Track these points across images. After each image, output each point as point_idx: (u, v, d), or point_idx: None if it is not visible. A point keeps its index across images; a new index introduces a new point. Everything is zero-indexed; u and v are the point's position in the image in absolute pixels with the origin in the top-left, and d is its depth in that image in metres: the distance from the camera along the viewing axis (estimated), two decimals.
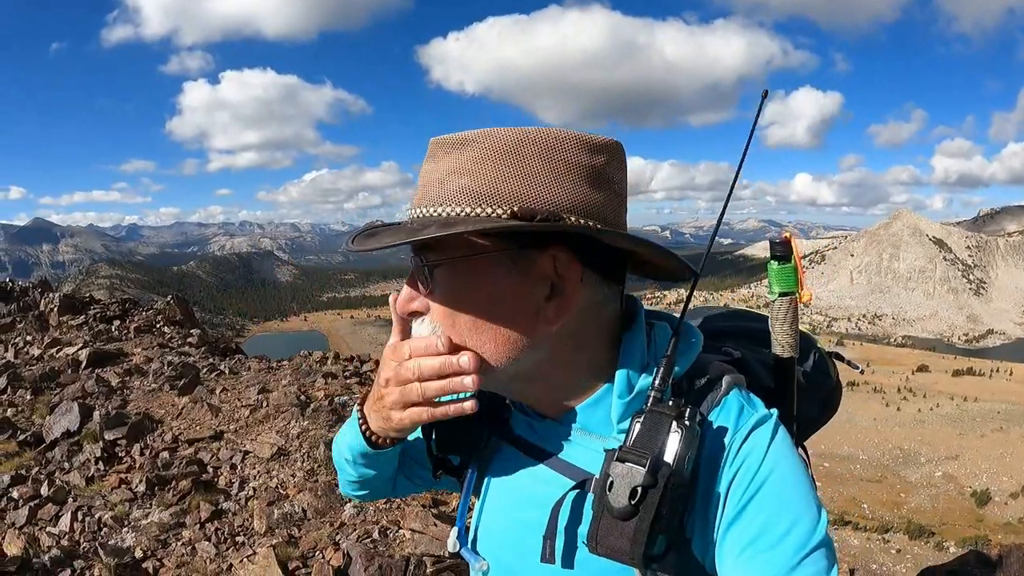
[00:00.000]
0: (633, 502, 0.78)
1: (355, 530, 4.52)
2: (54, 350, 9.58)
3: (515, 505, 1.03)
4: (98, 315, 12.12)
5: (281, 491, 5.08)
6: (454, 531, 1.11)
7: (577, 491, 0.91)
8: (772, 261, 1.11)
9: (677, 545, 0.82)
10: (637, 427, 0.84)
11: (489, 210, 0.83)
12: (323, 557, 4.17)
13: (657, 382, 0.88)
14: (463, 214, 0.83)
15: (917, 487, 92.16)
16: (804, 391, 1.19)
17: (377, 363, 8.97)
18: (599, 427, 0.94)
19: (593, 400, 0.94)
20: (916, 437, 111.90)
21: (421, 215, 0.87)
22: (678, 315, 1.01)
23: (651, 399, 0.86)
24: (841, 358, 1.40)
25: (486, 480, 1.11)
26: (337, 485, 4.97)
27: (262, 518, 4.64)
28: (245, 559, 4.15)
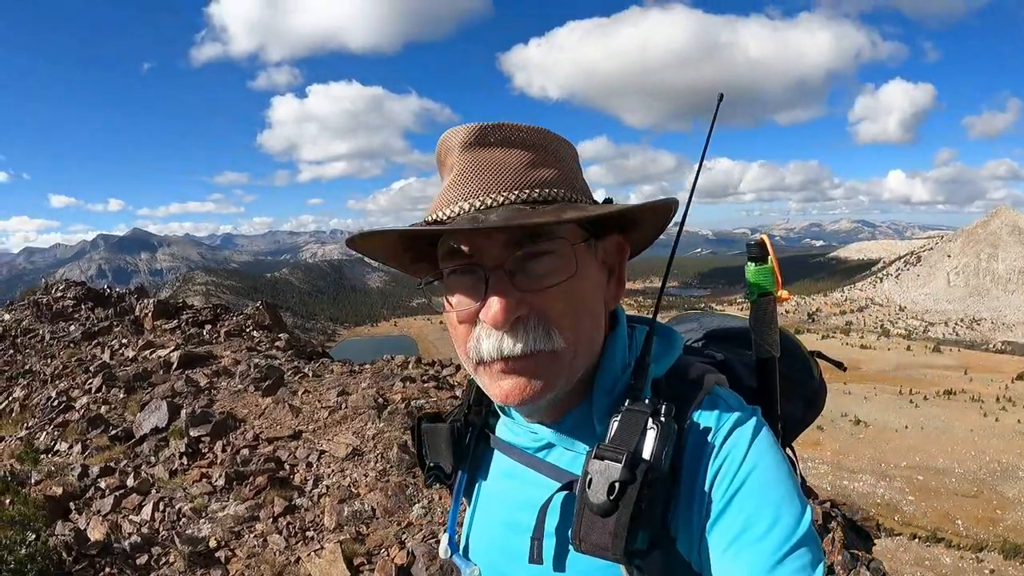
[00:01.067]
0: (611, 497, 0.78)
1: (421, 530, 4.61)
2: (147, 352, 10.09)
3: (504, 509, 1.05)
4: (190, 320, 12.68)
5: (353, 490, 5.23)
6: (444, 537, 1.13)
7: (564, 493, 0.91)
8: (749, 263, 1.11)
9: (661, 543, 0.83)
10: (615, 426, 0.85)
11: (581, 197, 0.90)
12: (388, 555, 4.28)
13: (633, 381, 0.90)
14: (566, 199, 0.88)
15: (1015, 504, 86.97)
16: (787, 391, 1.19)
17: (457, 368, 8.98)
18: (583, 429, 0.95)
19: (582, 404, 0.96)
20: (1015, 450, 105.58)
21: (507, 201, 0.85)
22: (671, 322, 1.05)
23: (628, 399, 0.88)
24: (824, 357, 1.38)
25: (476, 486, 1.13)
26: (407, 486, 5.11)
27: (332, 515, 4.78)
28: (312, 553, 4.30)
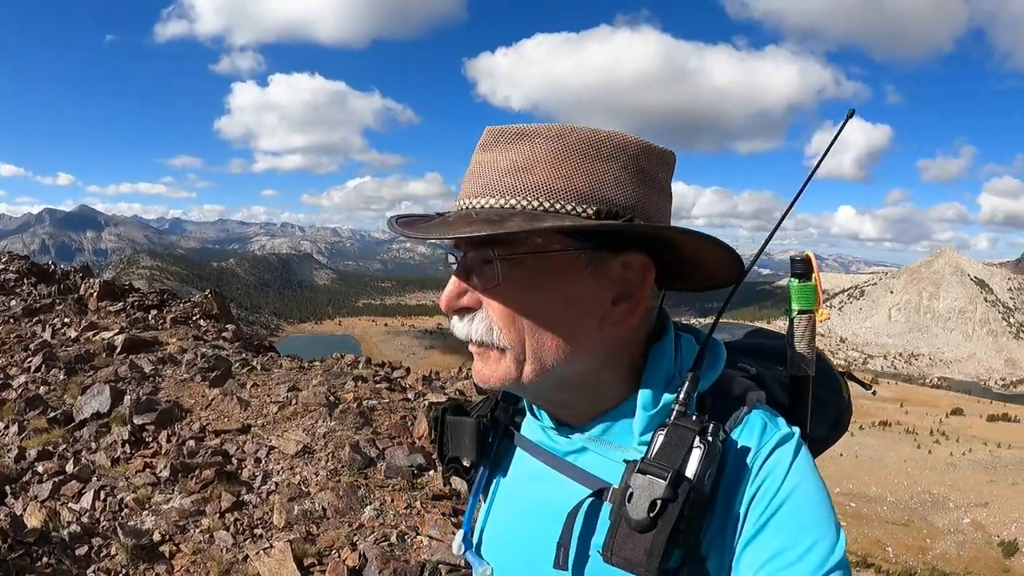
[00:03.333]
0: (652, 515, 0.77)
1: (373, 532, 4.51)
2: (91, 333, 9.74)
3: (526, 511, 1.02)
4: (136, 303, 12.34)
5: (303, 488, 5.09)
6: (460, 534, 1.12)
7: (592, 500, 0.90)
8: (792, 279, 1.09)
9: (691, 561, 0.81)
10: (660, 440, 0.83)
11: (570, 207, 0.83)
12: (339, 556, 4.17)
13: (682, 396, 0.87)
14: (541, 208, 0.83)
15: (944, 533, 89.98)
16: (816, 410, 1.17)
17: (408, 370, 8.96)
18: (619, 437, 0.93)
19: (617, 410, 0.94)
20: (946, 482, 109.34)
21: (487, 206, 0.85)
22: (702, 329, 1.01)
23: (675, 413, 0.86)
24: (854, 378, 1.36)
25: (495, 483, 1.11)
26: (359, 486, 5.00)
27: (282, 513, 4.65)
28: (261, 552, 4.16)
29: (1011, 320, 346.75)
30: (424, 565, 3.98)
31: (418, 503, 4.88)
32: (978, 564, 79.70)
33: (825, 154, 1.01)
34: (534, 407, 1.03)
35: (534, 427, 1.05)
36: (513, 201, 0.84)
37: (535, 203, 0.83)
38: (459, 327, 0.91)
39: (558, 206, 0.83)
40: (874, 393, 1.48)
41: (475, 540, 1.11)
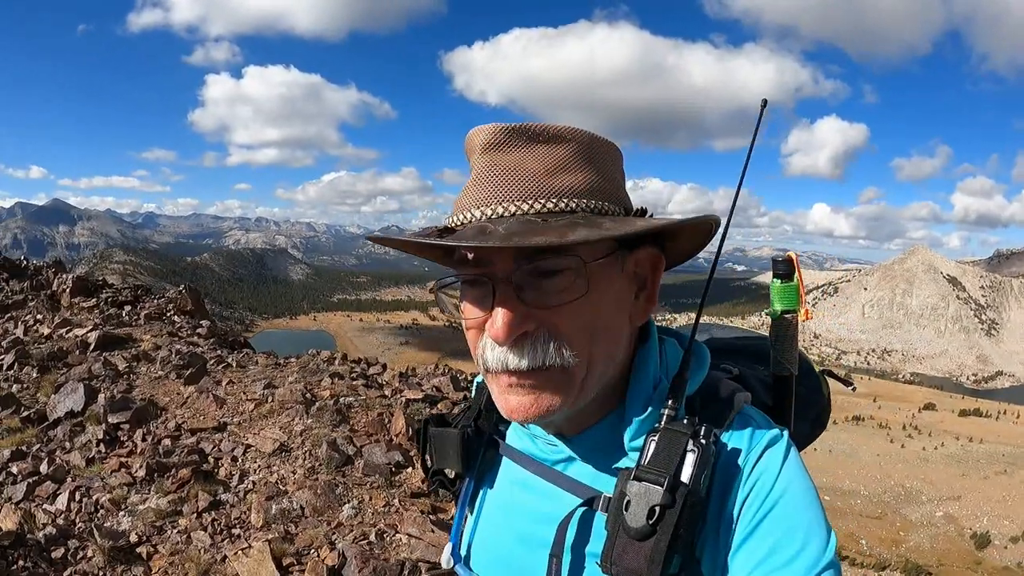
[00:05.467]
0: (651, 522, 0.76)
1: (352, 531, 4.50)
2: (64, 330, 9.62)
3: (515, 521, 1.00)
4: (110, 299, 12.20)
5: (281, 487, 5.06)
6: (448, 546, 1.09)
7: (584, 509, 0.89)
8: (775, 279, 1.10)
9: (687, 565, 0.81)
10: (652, 446, 0.82)
11: (609, 207, 0.84)
12: (318, 556, 4.15)
13: (671, 400, 0.86)
14: (594, 210, 0.83)
15: (917, 526, 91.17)
16: (798, 408, 1.18)
17: (385, 367, 8.89)
18: (608, 444, 0.92)
19: (605, 417, 0.93)
20: (919, 475, 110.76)
21: (528, 210, 0.80)
22: (683, 331, 1.01)
23: (665, 417, 0.85)
24: (834, 376, 1.39)
25: (481, 493, 1.09)
26: (337, 485, 4.98)
27: (260, 512, 4.62)
28: (240, 552, 4.13)
29: (983, 317, 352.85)
30: (404, 563, 3.98)
31: (396, 501, 4.87)
32: (951, 556, 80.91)
33: (752, 145, 1.00)
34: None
35: (520, 436, 1.03)
36: (562, 203, 0.81)
37: (584, 204, 0.82)
38: (513, 358, 0.82)
39: (604, 207, 0.83)
40: (854, 389, 1.51)
41: (463, 552, 1.09)
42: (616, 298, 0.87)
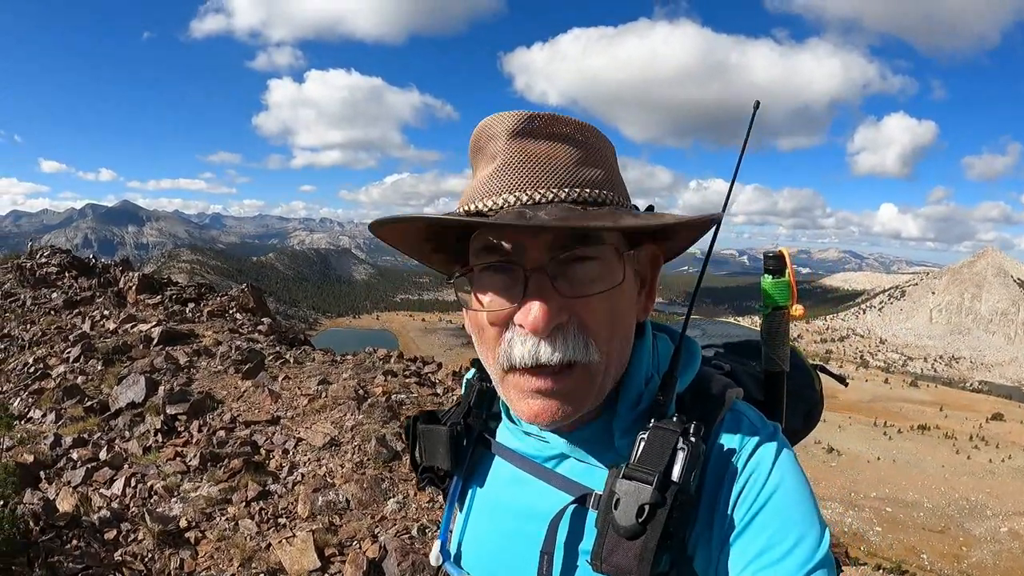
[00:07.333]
0: (640, 520, 0.76)
1: (395, 525, 4.56)
2: (128, 326, 9.99)
3: (505, 519, 0.99)
4: (174, 296, 12.61)
5: (328, 480, 5.17)
6: (437, 544, 1.08)
7: (575, 506, 0.88)
8: (766, 275, 1.09)
9: (679, 563, 0.80)
10: (642, 443, 0.81)
11: (622, 200, 0.86)
12: (360, 547, 4.23)
13: (661, 397, 0.87)
14: (620, 203, 0.84)
15: (980, 541, 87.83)
16: (790, 404, 1.17)
17: (440, 366, 8.94)
18: (599, 441, 0.91)
19: (599, 412, 0.91)
20: (985, 488, 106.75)
21: (566, 197, 0.80)
22: (675, 327, 1.00)
23: (656, 414, 0.85)
24: (827, 371, 1.37)
25: (470, 491, 1.08)
26: (383, 479, 5.07)
27: (306, 503, 4.73)
28: (284, 540, 4.24)
29: None
30: None
31: (440, 497, 4.92)
32: (1015, 574, 77.71)
33: (744, 147, 1.01)
34: (512, 412, 0.95)
35: (511, 433, 1.02)
36: (595, 193, 0.81)
37: (610, 195, 0.83)
38: (545, 350, 0.80)
39: (622, 200, 0.85)
40: (846, 385, 1.49)
41: (453, 551, 1.08)
42: (630, 294, 0.88)
